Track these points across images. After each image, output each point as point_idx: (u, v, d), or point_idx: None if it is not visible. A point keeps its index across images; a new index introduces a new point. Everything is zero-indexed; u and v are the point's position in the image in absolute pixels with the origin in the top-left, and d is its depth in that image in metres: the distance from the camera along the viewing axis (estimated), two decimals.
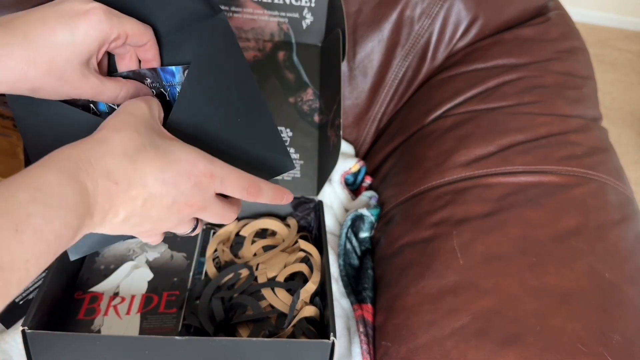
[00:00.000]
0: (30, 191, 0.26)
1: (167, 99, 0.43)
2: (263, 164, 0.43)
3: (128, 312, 0.55)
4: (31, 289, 0.58)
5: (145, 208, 0.32)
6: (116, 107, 0.42)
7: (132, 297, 0.57)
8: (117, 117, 0.34)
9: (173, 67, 0.42)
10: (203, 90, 0.42)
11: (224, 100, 0.42)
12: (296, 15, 0.70)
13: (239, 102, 0.43)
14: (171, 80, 0.43)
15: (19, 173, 0.27)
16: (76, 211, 0.27)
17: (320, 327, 0.54)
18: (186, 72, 0.42)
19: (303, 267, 0.59)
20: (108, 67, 0.43)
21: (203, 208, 0.35)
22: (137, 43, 0.40)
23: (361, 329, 0.56)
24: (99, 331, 0.53)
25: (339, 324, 0.58)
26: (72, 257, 0.40)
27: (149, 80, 0.43)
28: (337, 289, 0.62)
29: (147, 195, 0.32)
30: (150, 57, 0.42)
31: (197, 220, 0.38)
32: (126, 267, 0.60)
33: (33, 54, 0.33)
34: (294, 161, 0.66)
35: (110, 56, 0.42)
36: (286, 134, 0.68)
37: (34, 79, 0.34)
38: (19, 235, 0.24)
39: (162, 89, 0.43)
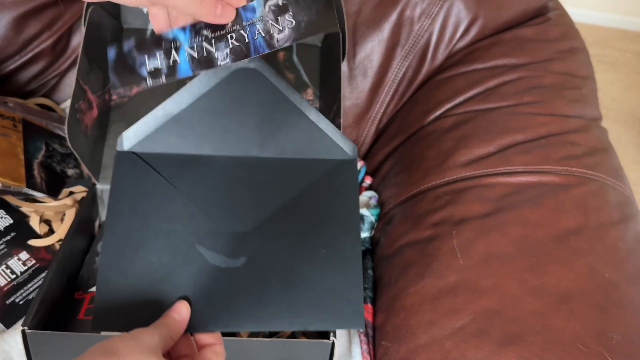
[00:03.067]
0: None
1: (247, 40, 0.41)
2: (330, 309, 0.40)
3: None
4: (31, 289, 0.58)
5: None
6: (195, 55, 0.40)
7: None
8: (129, 344, 0.33)
9: (254, 2, 0.40)
10: (301, 206, 0.42)
11: (321, 223, 0.42)
12: None
13: (333, 231, 0.42)
14: (252, 17, 0.40)
15: None
16: None
17: None
18: (267, 3, 0.40)
19: None
20: None
21: None
22: None
23: (361, 329, 0.56)
24: (98, 331, 0.53)
25: None
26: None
27: (229, 24, 0.40)
28: None
29: None
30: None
31: None
32: None
33: None
34: None
35: None
36: None
37: None
38: None
39: (241, 31, 0.41)
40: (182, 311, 0.38)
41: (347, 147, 0.43)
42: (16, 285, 0.57)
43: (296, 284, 0.40)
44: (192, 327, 0.38)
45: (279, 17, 0.41)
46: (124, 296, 0.38)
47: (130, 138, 0.41)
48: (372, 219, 0.69)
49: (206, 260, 0.40)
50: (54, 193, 0.64)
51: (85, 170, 0.67)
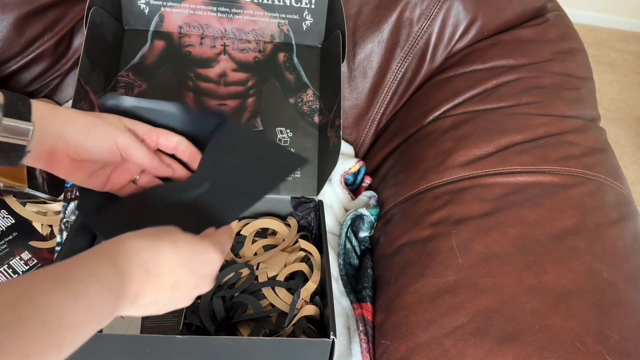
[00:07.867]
0: (86, 271, 0.31)
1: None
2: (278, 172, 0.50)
3: None
4: None
5: (172, 292, 0.37)
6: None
7: None
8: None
9: None
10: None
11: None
12: (296, 16, 0.70)
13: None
14: None
15: (72, 258, 0.32)
16: (115, 292, 0.32)
17: (321, 326, 0.54)
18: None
19: (303, 267, 0.60)
20: None
21: (215, 273, 0.41)
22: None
23: (361, 328, 0.57)
24: (99, 330, 0.54)
25: (339, 322, 0.59)
26: None
27: None
28: (337, 288, 0.62)
29: (173, 282, 0.36)
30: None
31: None
32: None
33: None
34: None
35: None
36: (286, 134, 0.69)
37: None
38: (79, 300, 0.29)
39: None
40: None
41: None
42: None
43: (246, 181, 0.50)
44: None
45: None
46: None
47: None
48: (372, 218, 0.69)
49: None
50: (55, 193, 0.64)
51: None
